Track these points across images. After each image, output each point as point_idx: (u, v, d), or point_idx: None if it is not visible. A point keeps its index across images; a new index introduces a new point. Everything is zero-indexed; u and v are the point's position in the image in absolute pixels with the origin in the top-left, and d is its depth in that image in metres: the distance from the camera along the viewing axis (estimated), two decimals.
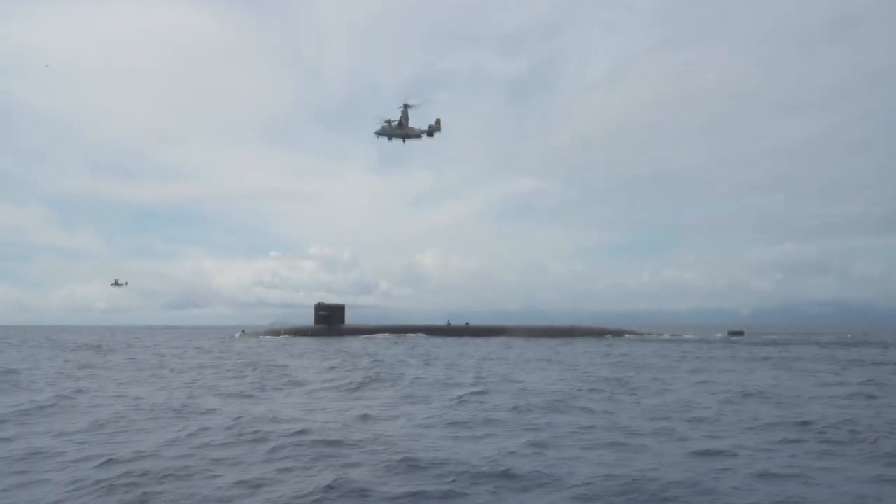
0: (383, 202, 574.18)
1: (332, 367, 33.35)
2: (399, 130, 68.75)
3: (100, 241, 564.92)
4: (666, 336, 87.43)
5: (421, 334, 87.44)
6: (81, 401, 20.02)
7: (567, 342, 69.75)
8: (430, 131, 70.78)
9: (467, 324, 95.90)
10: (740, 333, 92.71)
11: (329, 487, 9.81)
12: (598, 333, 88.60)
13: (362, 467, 11.19)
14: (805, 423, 15.49)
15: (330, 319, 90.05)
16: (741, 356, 44.17)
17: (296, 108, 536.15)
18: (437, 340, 74.24)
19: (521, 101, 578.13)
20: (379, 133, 68.49)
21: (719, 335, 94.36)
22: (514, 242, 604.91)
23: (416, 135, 70.02)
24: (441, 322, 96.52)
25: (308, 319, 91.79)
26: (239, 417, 16.20)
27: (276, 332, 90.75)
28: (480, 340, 74.56)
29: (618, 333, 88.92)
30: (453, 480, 10.32)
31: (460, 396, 20.50)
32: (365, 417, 16.59)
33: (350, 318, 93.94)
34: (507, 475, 10.63)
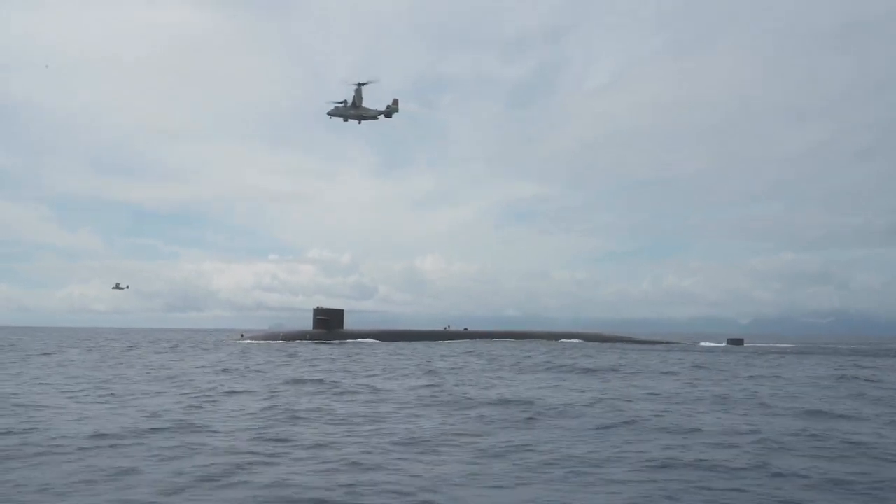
0: (384, 205, 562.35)
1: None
2: (353, 111, 68.27)
3: (99, 242, 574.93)
4: (702, 345, 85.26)
5: (494, 338, 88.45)
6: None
7: (646, 350, 66.11)
8: (388, 112, 70.08)
9: (466, 329, 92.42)
10: (739, 342, 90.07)
11: None
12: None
13: None
14: None
15: (329, 324, 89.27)
16: None
17: (297, 109, 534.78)
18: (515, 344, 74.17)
19: (524, 105, 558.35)
20: (332, 114, 68.27)
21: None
22: (515, 248, 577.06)
23: (373, 116, 69.44)
24: (439, 327, 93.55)
25: (307, 323, 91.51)
26: None
27: (274, 337, 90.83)
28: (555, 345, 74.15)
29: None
30: None
31: None
32: None
33: (349, 324, 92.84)
34: None
